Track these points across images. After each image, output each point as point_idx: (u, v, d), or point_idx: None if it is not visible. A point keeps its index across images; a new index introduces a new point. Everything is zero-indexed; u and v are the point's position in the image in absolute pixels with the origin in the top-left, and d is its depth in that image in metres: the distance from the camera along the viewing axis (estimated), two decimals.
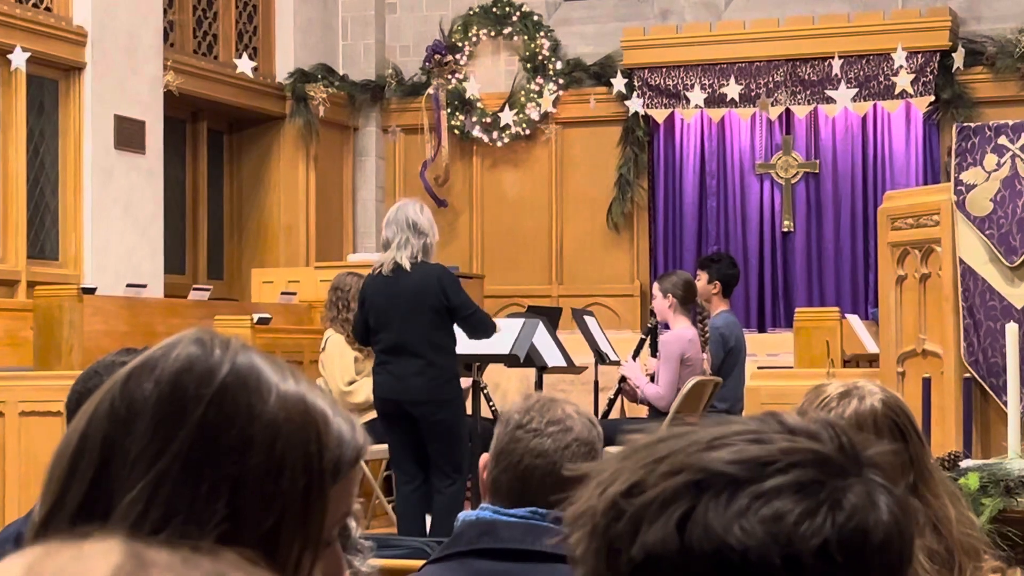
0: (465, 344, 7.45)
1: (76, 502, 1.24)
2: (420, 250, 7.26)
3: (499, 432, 2.74)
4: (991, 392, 5.32)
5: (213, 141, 13.60)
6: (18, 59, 10.62)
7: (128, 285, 10.02)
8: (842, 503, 1.02)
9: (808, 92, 13.02)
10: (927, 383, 5.08)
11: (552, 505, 2.67)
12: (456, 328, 7.37)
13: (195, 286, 10.82)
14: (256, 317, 9.10)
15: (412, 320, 7.22)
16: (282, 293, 11.01)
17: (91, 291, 9.04)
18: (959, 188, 5.47)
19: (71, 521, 1.23)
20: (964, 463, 4.82)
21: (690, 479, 1.03)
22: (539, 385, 8.70)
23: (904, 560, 1.07)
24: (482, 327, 7.38)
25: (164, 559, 0.91)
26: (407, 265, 7.23)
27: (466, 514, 2.79)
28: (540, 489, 2.68)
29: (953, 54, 12.63)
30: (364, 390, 8.58)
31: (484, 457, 2.78)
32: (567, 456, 2.66)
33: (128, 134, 11.45)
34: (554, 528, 2.66)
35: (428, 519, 7.43)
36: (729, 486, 1.02)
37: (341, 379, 8.58)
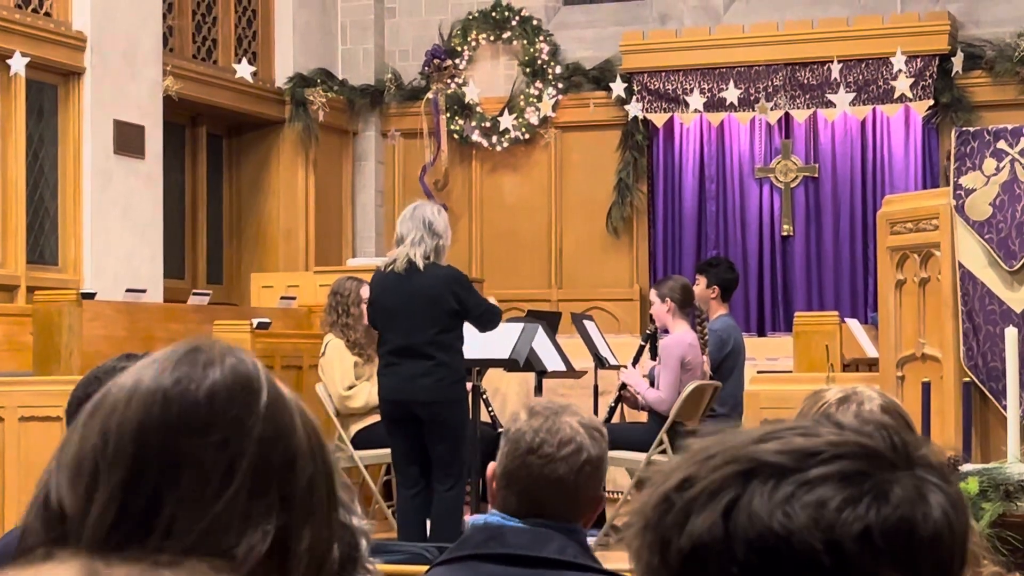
0: (464, 349, 7.45)
1: (110, 515, 1.20)
2: (433, 250, 7.25)
3: (507, 451, 2.75)
4: (991, 396, 5.31)
5: (212, 146, 13.61)
6: (17, 64, 10.62)
7: (127, 290, 10.02)
8: (888, 494, 1.04)
9: (807, 96, 13.03)
10: (926, 387, 5.08)
11: (562, 519, 2.71)
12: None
13: (194, 291, 10.82)
14: (255, 322, 9.09)
15: (422, 322, 7.20)
16: (281, 298, 11.01)
17: (90, 296, 9.04)
18: (958, 192, 5.47)
19: (104, 532, 1.20)
20: (963, 467, 4.82)
21: (738, 469, 1.05)
22: (539, 389, 8.70)
23: (956, 558, 1.07)
24: (492, 320, 7.41)
25: (122, 574, 0.90)
26: (420, 264, 7.20)
27: (475, 518, 2.82)
28: (553, 510, 2.74)
29: (952, 58, 12.64)
30: (363, 395, 8.58)
31: (492, 466, 2.80)
32: (581, 478, 2.71)
33: (127, 139, 11.45)
34: (561, 536, 2.69)
35: (428, 524, 7.43)
36: (775, 475, 1.04)
37: (341, 384, 8.58)
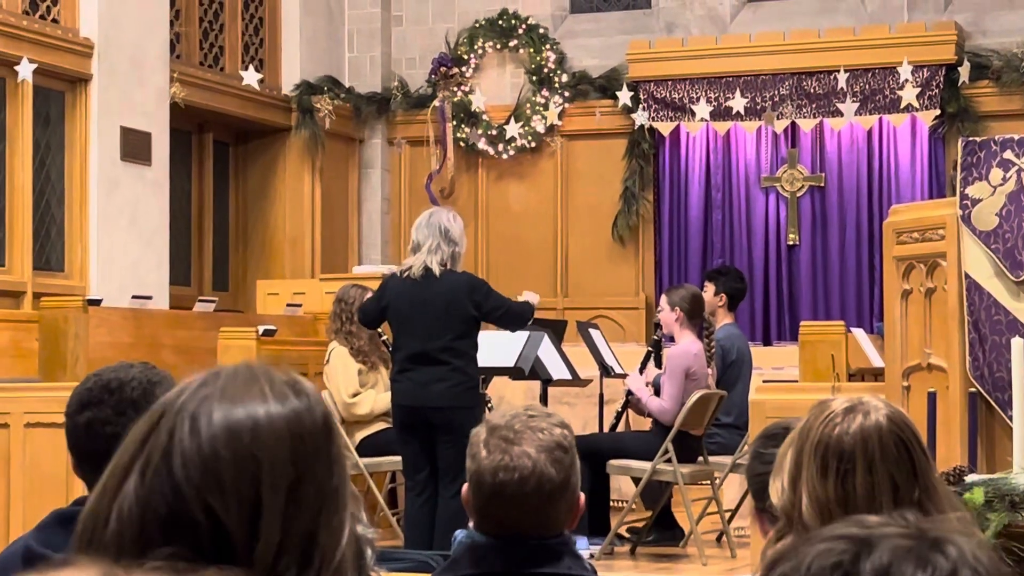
0: None
1: (276, 538, 1.29)
2: (449, 258, 7.26)
3: (473, 489, 2.77)
4: (996, 407, 5.31)
5: (219, 153, 13.62)
6: (25, 71, 10.64)
7: (133, 297, 10.03)
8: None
9: (814, 105, 13.03)
10: (932, 397, 5.08)
11: (543, 535, 2.73)
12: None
13: (200, 298, 10.82)
14: (261, 329, 9.10)
15: (438, 328, 7.21)
16: (287, 305, 11.01)
17: (96, 303, 9.05)
18: (965, 202, 5.47)
19: (272, 556, 1.28)
20: (969, 478, 4.81)
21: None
22: (544, 398, 8.70)
23: None
24: (520, 318, 7.42)
25: None
26: (437, 271, 7.22)
27: (462, 535, 2.83)
28: (533, 529, 2.76)
29: (959, 68, 12.64)
30: (368, 402, 8.58)
31: (465, 489, 2.81)
32: (552, 502, 2.72)
33: (134, 146, 11.47)
34: (542, 553, 2.72)
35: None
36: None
37: (345, 391, 8.58)
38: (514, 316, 7.41)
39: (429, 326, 7.22)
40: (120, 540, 1.26)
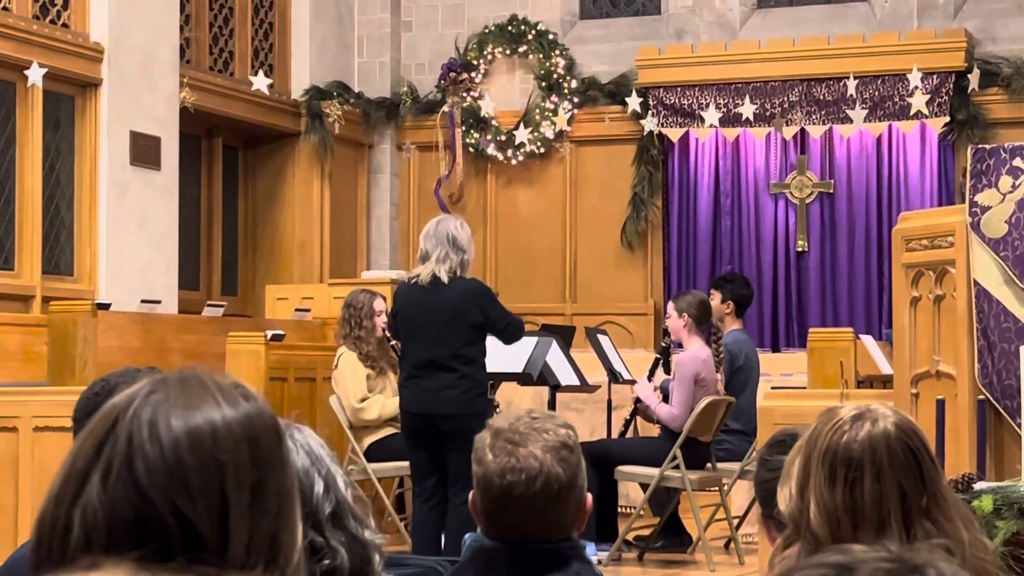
0: None
1: (245, 538, 1.33)
2: (458, 265, 7.28)
3: (480, 493, 2.76)
4: (1005, 414, 5.30)
5: (228, 157, 13.63)
6: (35, 75, 10.66)
7: (142, 301, 10.04)
8: None
9: (823, 112, 13.01)
10: (941, 405, 5.08)
11: (552, 538, 2.72)
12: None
13: (209, 302, 10.83)
14: (270, 334, 9.10)
15: (447, 335, 7.22)
16: (296, 310, 11.02)
17: (105, 307, 9.06)
18: (974, 210, 5.46)
19: (243, 554, 1.32)
20: (978, 485, 4.81)
21: None
22: (552, 403, 8.69)
23: None
24: (517, 334, 7.45)
25: None
26: (445, 279, 7.23)
27: (471, 539, 2.83)
28: (541, 532, 2.75)
29: (968, 75, 12.62)
30: (376, 407, 8.58)
31: (472, 495, 2.81)
32: (559, 503, 2.71)
33: (144, 150, 11.48)
34: (551, 557, 2.72)
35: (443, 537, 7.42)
36: None
37: (354, 396, 8.58)
38: (513, 331, 7.43)
39: (438, 333, 7.23)
40: (87, 546, 1.28)
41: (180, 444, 1.30)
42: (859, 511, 2.25)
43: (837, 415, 2.35)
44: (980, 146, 5.68)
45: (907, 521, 2.26)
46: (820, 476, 2.29)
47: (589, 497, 2.82)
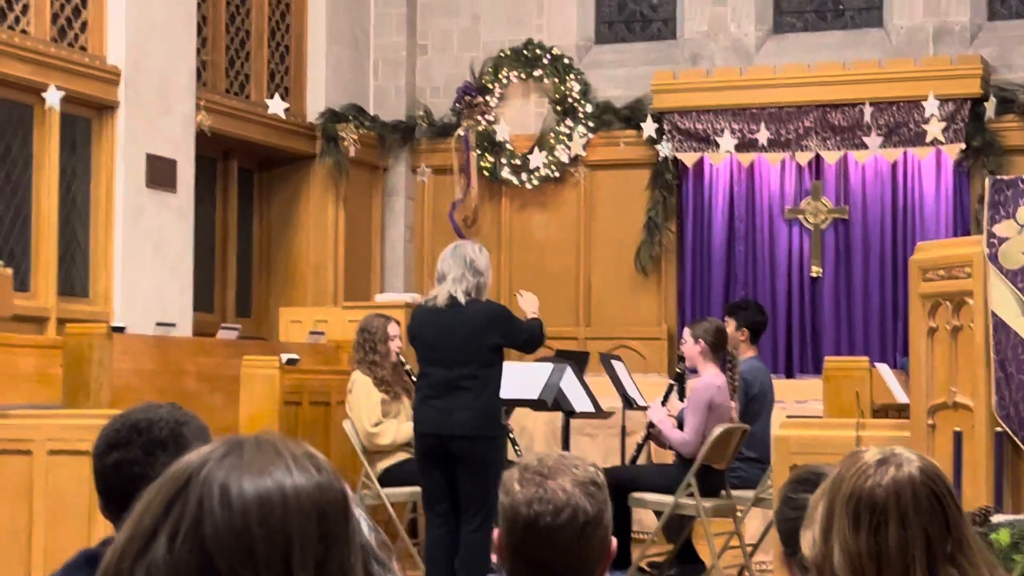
0: None
1: None
2: (475, 288, 7.29)
3: (506, 527, 2.75)
4: (1023, 446, 5.28)
5: (243, 180, 13.66)
6: (52, 98, 10.69)
7: (157, 323, 10.05)
8: None
9: (838, 138, 13.01)
10: (958, 437, 5.06)
11: (570, 573, 2.71)
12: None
13: (223, 325, 10.84)
14: (285, 358, 9.11)
15: (463, 356, 7.22)
16: (310, 332, 11.02)
17: (120, 330, 9.06)
18: (992, 240, 5.46)
19: None
20: (995, 518, 4.79)
21: None
22: (566, 429, 8.68)
23: None
24: (535, 341, 7.47)
25: None
26: (462, 300, 7.24)
27: None
28: (565, 571, 2.74)
29: (984, 102, 12.61)
30: (390, 432, 8.58)
31: (496, 533, 2.80)
32: (584, 540, 2.70)
33: (159, 173, 11.51)
34: None
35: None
36: None
37: (368, 421, 8.58)
38: (534, 339, 7.48)
39: (454, 354, 7.24)
40: None
41: (250, 511, 1.28)
42: (884, 557, 2.24)
43: (861, 459, 2.34)
44: (999, 177, 5.68)
45: (932, 567, 2.25)
46: (844, 521, 2.28)
47: (614, 541, 2.81)
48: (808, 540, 2.32)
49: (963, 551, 2.27)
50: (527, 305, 7.81)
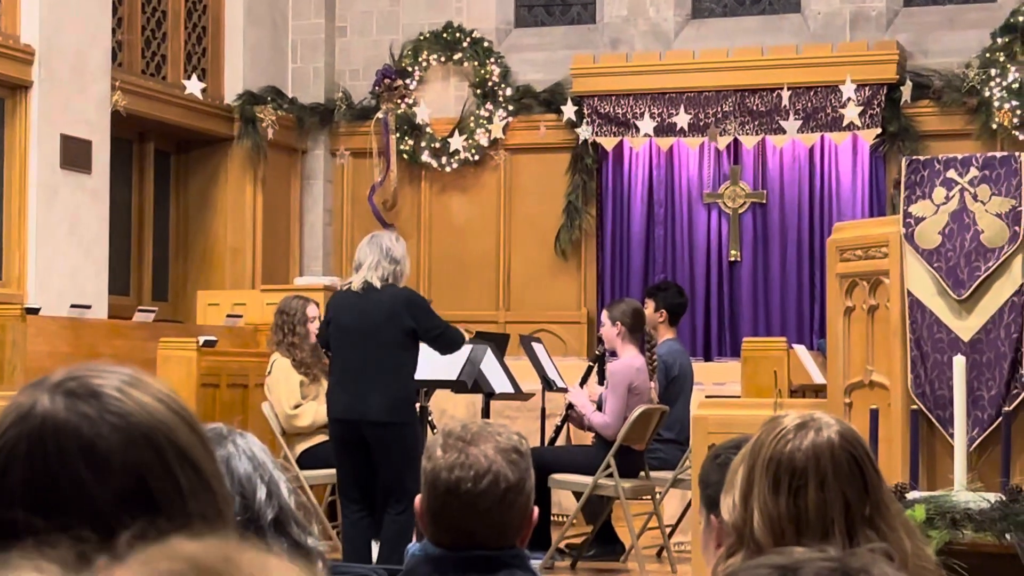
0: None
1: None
2: (391, 275, 7.25)
3: (427, 491, 2.74)
4: (938, 424, 5.33)
5: (160, 162, 13.53)
6: None
7: (72, 306, 9.94)
8: None
9: (756, 122, 13.09)
10: (875, 414, 5.09)
11: (497, 546, 2.71)
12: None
13: (140, 308, 10.74)
14: (202, 340, 9.03)
15: (378, 340, 7.18)
16: (228, 316, 10.95)
17: (35, 311, 8.96)
18: (908, 221, 5.50)
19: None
20: (911, 495, 4.84)
21: None
22: (486, 411, 8.68)
23: None
24: (452, 344, 7.40)
25: None
26: (378, 284, 7.21)
27: (413, 547, 2.81)
28: (485, 539, 2.74)
29: (900, 87, 12.74)
30: (309, 414, 8.54)
31: (419, 500, 2.79)
32: (505, 506, 2.70)
33: (74, 153, 11.36)
34: (496, 564, 2.69)
35: (375, 545, 7.38)
36: None
37: (287, 403, 8.53)
38: (448, 341, 7.38)
39: (370, 338, 7.20)
40: None
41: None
42: (803, 520, 2.25)
43: (781, 424, 2.34)
44: (914, 158, 5.72)
45: (851, 530, 2.26)
46: (764, 485, 2.29)
47: (536, 510, 2.80)
48: (728, 504, 2.33)
49: (881, 514, 2.29)
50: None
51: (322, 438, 8.52)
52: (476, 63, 13.99)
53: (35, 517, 1.27)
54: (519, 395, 9.00)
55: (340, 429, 7.32)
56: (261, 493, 2.25)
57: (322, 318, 7.93)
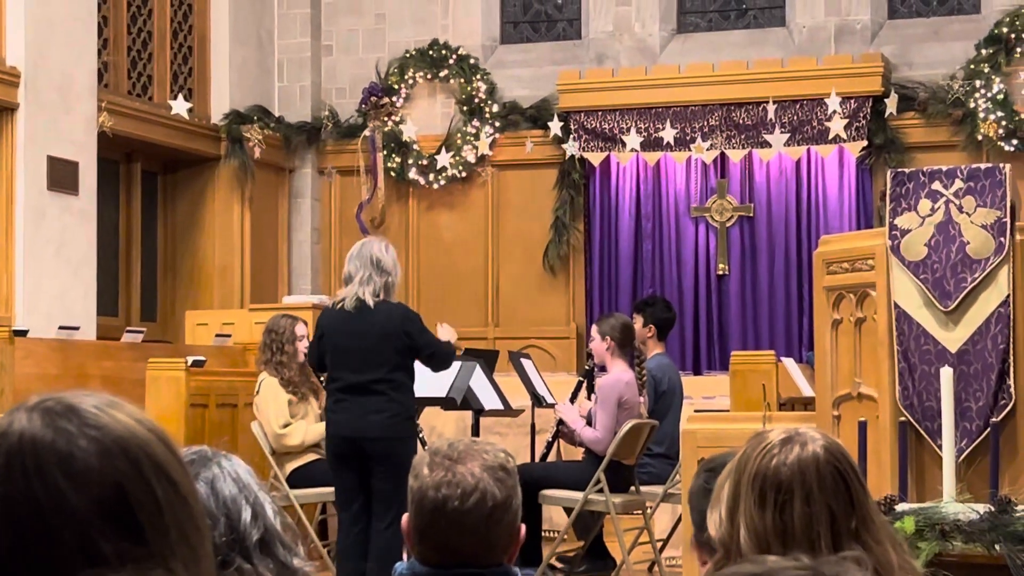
0: None
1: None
2: (382, 288, 7.23)
3: (415, 509, 2.75)
4: (926, 436, 5.34)
5: (147, 182, 13.52)
6: None
7: (60, 327, 9.92)
8: None
9: (743, 136, 13.11)
10: (863, 427, 5.10)
11: (484, 563, 2.71)
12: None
13: (128, 328, 10.73)
14: (190, 360, 9.02)
15: (374, 359, 7.17)
16: (216, 335, 10.93)
17: (23, 333, 8.94)
18: (894, 233, 5.51)
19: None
20: (900, 507, 4.84)
21: None
22: (476, 428, 8.67)
23: None
24: (444, 361, 7.39)
25: None
26: (371, 302, 7.18)
27: (401, 568, 2.81)
28: (473, 557, 2.74)
29: (886, 100, 12.77)
30: (299, 433, 8.52)
31: (405, 519, 2.79)
32: (492, 523, 2.70)
33: (61, 175, 11.36)
34: None
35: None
36: None
37: (276, 422, 8.52)
38: (441, 358, 7.37)
39: (365, 357, 7.18)
40: None
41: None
42: (789, 534, 2.26)
43: (766, 439, 2.35)
44: (900, 170, 5.73)
45: (836, 544, 2.26)
46: (750, 500, 2.29)
47: (523, 527, 2.80)
48: (715, 520, 2.33)
49: (867, 527, 2.29)
50: (444, 335, 7.75)
51: (312, 457, 8.51)
52: (462, 80, 14.01)
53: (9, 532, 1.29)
54: (509, 411, 9.00)
55: (340, 445, 7.30)
56: (246, 515, 2.26)
57: (311, 336, 7.91)
